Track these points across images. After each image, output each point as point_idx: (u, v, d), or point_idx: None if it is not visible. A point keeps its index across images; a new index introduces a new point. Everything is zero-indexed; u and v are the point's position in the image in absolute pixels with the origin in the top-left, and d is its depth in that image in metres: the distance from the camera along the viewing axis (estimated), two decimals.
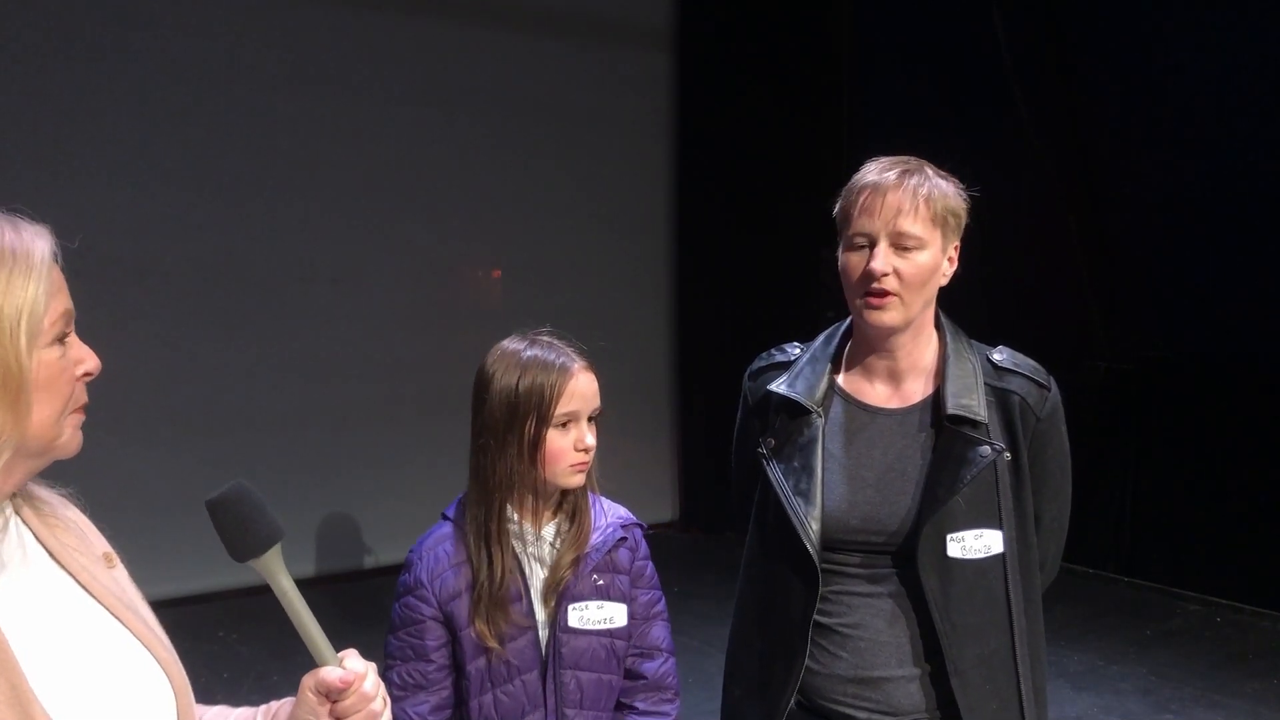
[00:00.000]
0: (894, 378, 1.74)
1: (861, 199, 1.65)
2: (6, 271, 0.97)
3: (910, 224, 1.61)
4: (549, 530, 1.75)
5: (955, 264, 1.70)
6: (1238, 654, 4.48)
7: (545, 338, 1.75)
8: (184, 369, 5.00)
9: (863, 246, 1.65)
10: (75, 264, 1.04)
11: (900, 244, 1.62)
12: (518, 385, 1.67)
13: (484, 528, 1.70)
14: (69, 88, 4.67)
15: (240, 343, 5.16)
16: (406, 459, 5.46)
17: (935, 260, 1.65)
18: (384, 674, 1.73)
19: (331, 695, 1.11)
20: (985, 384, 1.70)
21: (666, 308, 6.52)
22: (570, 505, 1.77)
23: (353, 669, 1.12)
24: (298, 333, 5.32)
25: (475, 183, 5.70)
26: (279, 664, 4.15)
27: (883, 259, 1.62)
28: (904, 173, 1.65)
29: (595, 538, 1.75)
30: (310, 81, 5.22)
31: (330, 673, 1.11)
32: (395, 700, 1.70)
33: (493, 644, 1.67)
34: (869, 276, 1.63)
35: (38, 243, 1.00)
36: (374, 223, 5.45)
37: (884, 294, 1.63)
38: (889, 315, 1.65)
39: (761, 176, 6.08)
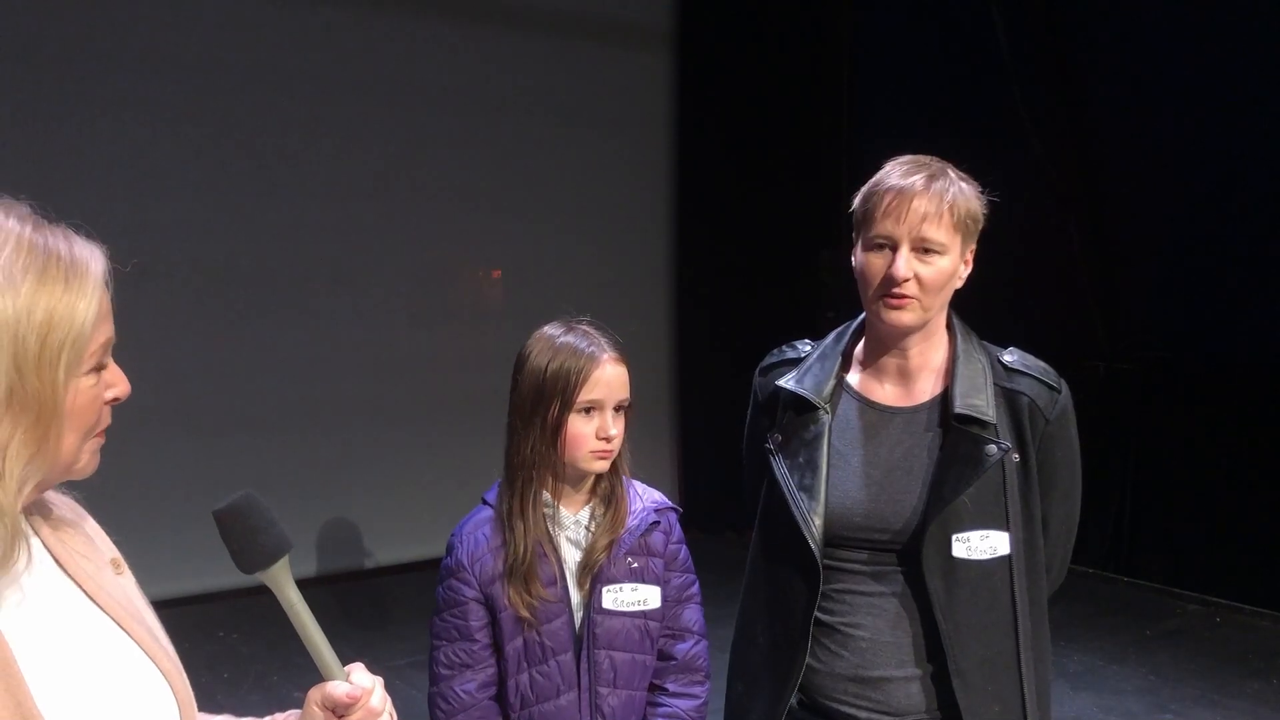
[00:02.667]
0: (904, 377, 1.74)
1: (886, 202, 1.64)
2: (56, 297, 0.91)
3: (935, 230, 1.61)
4: (584, 514, 1.79)
5: (970, 266, 1.71)
6: (1238, 654, 4.48)
7: (584, 326, 1.79)
8: (184, 369, 4.99)
9: (884, 248, 1.64)
10: None
11: (922, 249, 1.62)
12: (546, 368, 1.72)
13: (510, 505, 1.75)
14: (68, 88, 4.66)
15: (240, 343, 5.16)
16: (407, 459, 5.47)
17: (954, 265, 1.65)
18: (431, 653, 1.80)
19: (338, 710, 1.10)
20: (994, 385, 1.70)
21: (666, 308, 6.52)
22: (605, 490, 1.80)
23: (359, 683, 1.10)
24: (298, 333, 5.32)
25: (475, 183, 5.69)
26: (279, 664, 4.15)
27: (905, 264, 1.62)
28: (930, 178, 1.64)
29: (630, 521, 1.79)
30: (310, 81, 5.22)
31: (337, 687, 1.09)
32: (443, 679, 1.76)
33: (525, 614, 1.71)
34: (890, 280, 1.63)
35: (91, 265, 0.95)
36: (374, 223, 5.45)
37: (903, 296, 1.63)
38: (907, 316, 1.65)
39: (761, 177, 6.08)
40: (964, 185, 1.66)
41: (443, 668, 1.77)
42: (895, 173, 1.67)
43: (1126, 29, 5.18)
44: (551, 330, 1.78)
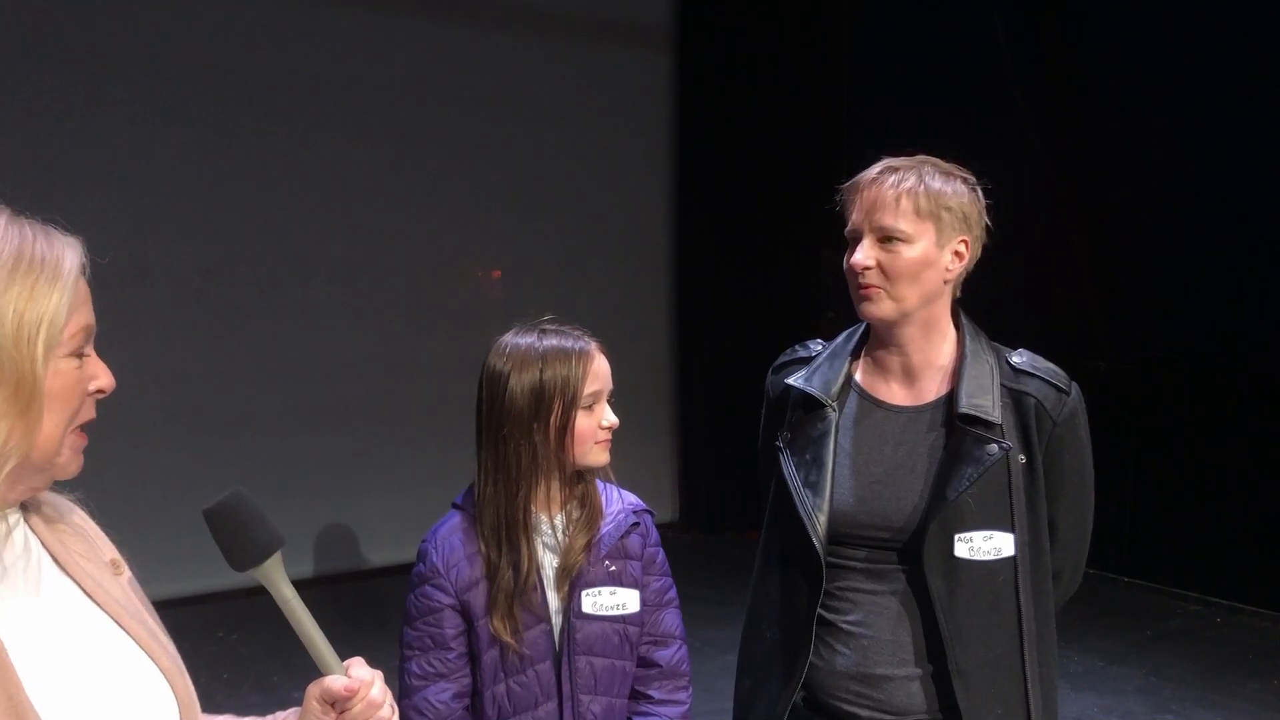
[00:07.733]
0: (909, 375, 1.74)
1: (848, 197, 1.70)
2: (33, 279, 0.96)
3: (890, 219, 1.63)
4: (560, 518, 1.76)
5: (964, 259, 1.69)
6: (1238, 654, 4.48)
7: (552, 326, 1.76)
8: (184, 369, 4.99)
9: (854, 243, 1.69)
10: None
11: (883, 237, 1.64)
12: (542, 376, 1.68)
13: (504, 519, 1.69)
14: (68, 88, 4.67)
15: (240, 343, 5.16)
16: (406, 459, 5.47)
17: (926, 254, 1.64)
18: (402, 665, 1.74)
19: (338, 704, 1.10)
20: (1002, 385, 1.69)
21: (666, 308, 6.52)
22: (580, 492, 1.77)
23: (359, 676, 1.10)
24: (298, 333, 5.32)
25: (475, 183, 5.70)
26: (279, 664, 4.14)
27: (863, 253, 1.65)
28: (887, 169, 1.67)
29: (608, 523, 1.76)
30: (310, 81, 5.22)
31: (336, 681, 1.09)
32: (416, 690, 1.71)
33: (509, 639, 1.67)
34: (852, 270, 1.67)
35: (67, 253, 0.99)
36: (374, 223, 5.45)
37: (869, 286, 1.66)
38: (874, 307, 1.67)
39: (762, 177, 6.08)
40: (937, 175, 1.66)
41: (415, 679, 1.71)
42: (865, 171, 1.70)
43: (1127, 27, 5.18)
44: (523, 339, 1.72)
